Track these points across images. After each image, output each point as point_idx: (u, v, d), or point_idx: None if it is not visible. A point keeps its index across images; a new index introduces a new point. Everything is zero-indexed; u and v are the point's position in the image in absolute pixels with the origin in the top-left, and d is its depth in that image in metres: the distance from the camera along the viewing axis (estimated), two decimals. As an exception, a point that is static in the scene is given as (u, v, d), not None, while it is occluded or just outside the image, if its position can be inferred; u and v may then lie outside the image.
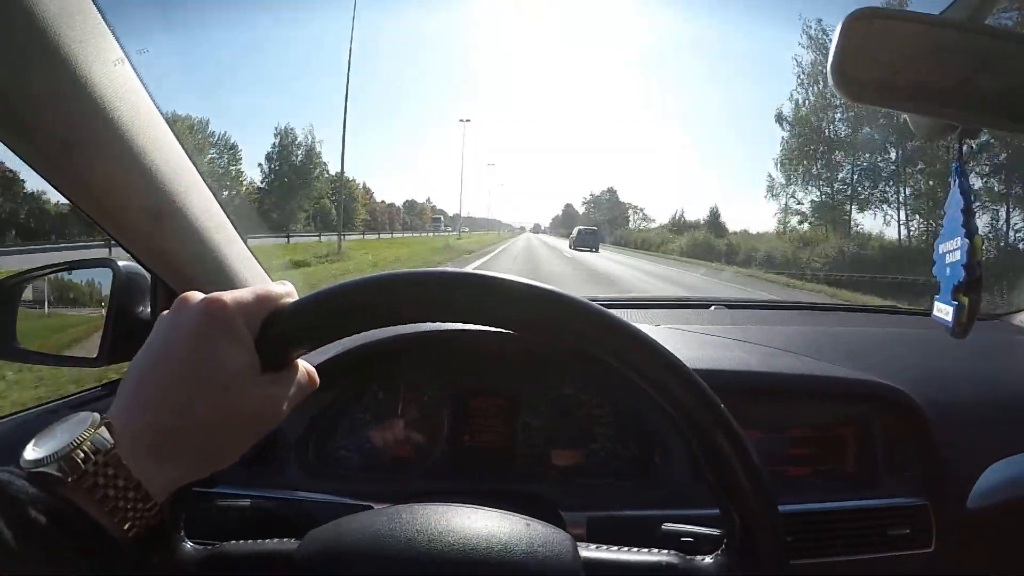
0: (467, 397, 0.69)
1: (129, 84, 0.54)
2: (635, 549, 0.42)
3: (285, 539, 0.43)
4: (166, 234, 0.60)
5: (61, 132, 0.49)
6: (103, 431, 0.32)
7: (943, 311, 0.61)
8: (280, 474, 0.67)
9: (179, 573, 0.41)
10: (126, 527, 0.32)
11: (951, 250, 0.61)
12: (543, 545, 0.39)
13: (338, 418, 0.69)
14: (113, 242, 0.62)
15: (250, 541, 0.44)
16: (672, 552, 0.42)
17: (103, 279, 0.71)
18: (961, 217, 0.59)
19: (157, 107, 0.57)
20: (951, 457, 0.71)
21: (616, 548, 0.42)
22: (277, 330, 0.37)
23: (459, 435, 0.69)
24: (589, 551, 0.41)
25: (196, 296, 0.36)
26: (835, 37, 0.54)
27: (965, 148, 0.64)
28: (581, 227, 33.64)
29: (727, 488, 0.39)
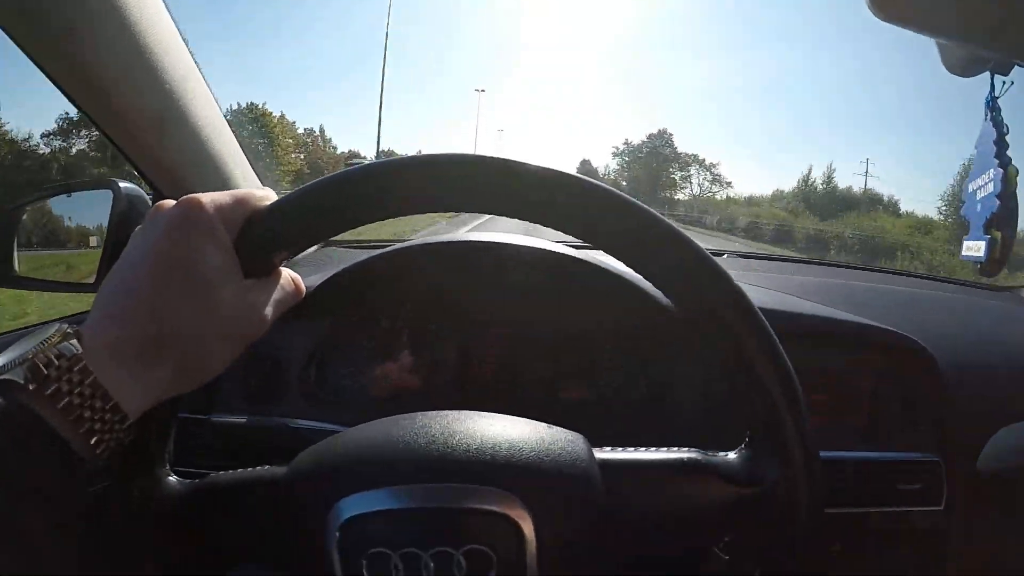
0: (473, 327, 0.67)
1: None
2: (652, 448, 0.39)
3: (274, 466, 0.39)
4: (169, 141, 0.59)
5: (65, 13, 0.47)
6: (71, 340, 0.30)
7: (974, 248, 0.59)
8: (282, 404, 0.64)
9: (164, 508, 0.38)
10: (93, 441, 0.29)
11: (983, 184, 0.59)
12: (554, 444, 0.37)
13: (340, 347, 0.66)
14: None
15: (237, 471, 0.40)
16: (693, 449, 0.39)
17: (103, 202, 0.69)
18: (994, 148, 0.58)
19: (168, 8, 0.55)
20: (964, 417, 0.69)
21: (633, 449, 0.39)
22: (258, 230, 0.34)
23: (466, 367, 0.67)
24: (604, 452, 0.38)
25: (171, 202, 0.34)
26: None
27: (997, 83, 0.62)
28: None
29: (749, 375, 0.36)
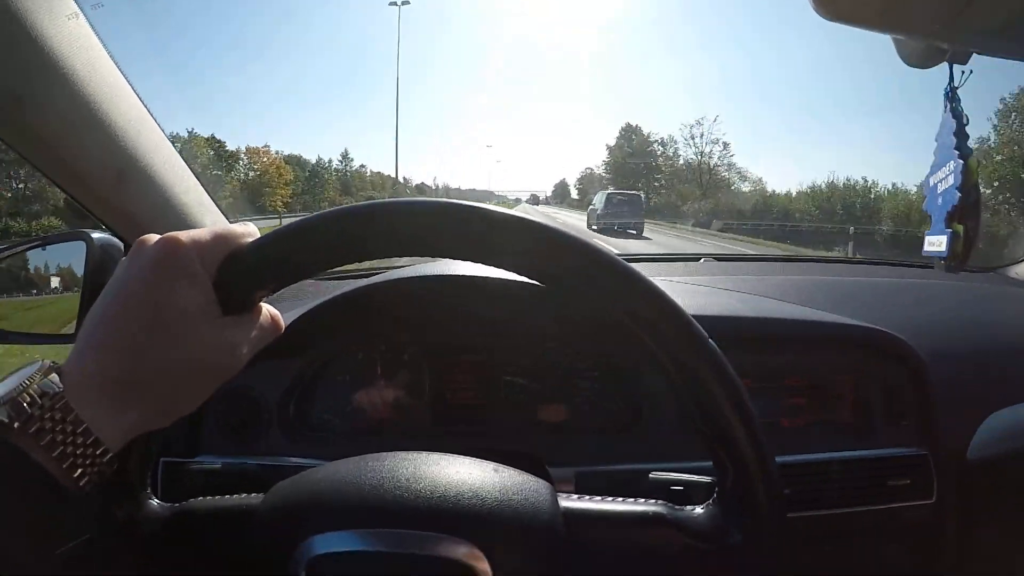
0: (447, 355, 0.67)
1: (85, 39, 0.53)
2: (620, 499, 0.39)
3: (251, 495, 0.41)
4: (131, 195, 0.59)
5: (11, 85, 0.48)
6: (53, 377, 0.30)
7: (935, 243, 0.58)
8: (262, 441, 0.65)
9: (143, 531, 0.39)
10: (76, 475, 0.30)
11: (943, 177, 0.58)
12: (519, 492, 0.37)
13: (318, 381, 0.67)
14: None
15: (216, 498, 0.42)
16: (660, 502, 0.39)
17: (78, 253, 0.70)
18: (953, 140, 0.57)
19: (116, 63, 0.56)
20: (950, 407, 0.68)
21: (600, 499, 0.39)
22: (236, 269, 0.34)
23: (441, 394, 0.67)
24: (570, 501, 0.38)
25: (154, 237, 0.34)
26: None
27: (956, 73, 0.61)
28: (610, 192, 19.83)
29: (717, 432, 0.36)
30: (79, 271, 0.72)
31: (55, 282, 0.75)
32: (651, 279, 0.37)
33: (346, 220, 0.35)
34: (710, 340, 0.36)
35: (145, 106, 0.59)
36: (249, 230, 0.37)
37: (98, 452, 0.31)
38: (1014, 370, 0.76)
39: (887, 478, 0.65)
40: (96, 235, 0.69)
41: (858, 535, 0.66)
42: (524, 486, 0.38)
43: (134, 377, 0.32)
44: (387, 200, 0.36)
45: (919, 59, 0.63)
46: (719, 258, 1.08)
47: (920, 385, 0.69)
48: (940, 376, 0.69)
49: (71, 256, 0.73)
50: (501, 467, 0.39)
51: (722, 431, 0.36)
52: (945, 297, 0.90)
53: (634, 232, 17.53)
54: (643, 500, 0.39)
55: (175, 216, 0.64)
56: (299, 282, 0.38)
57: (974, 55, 0.59)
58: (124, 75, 0.57)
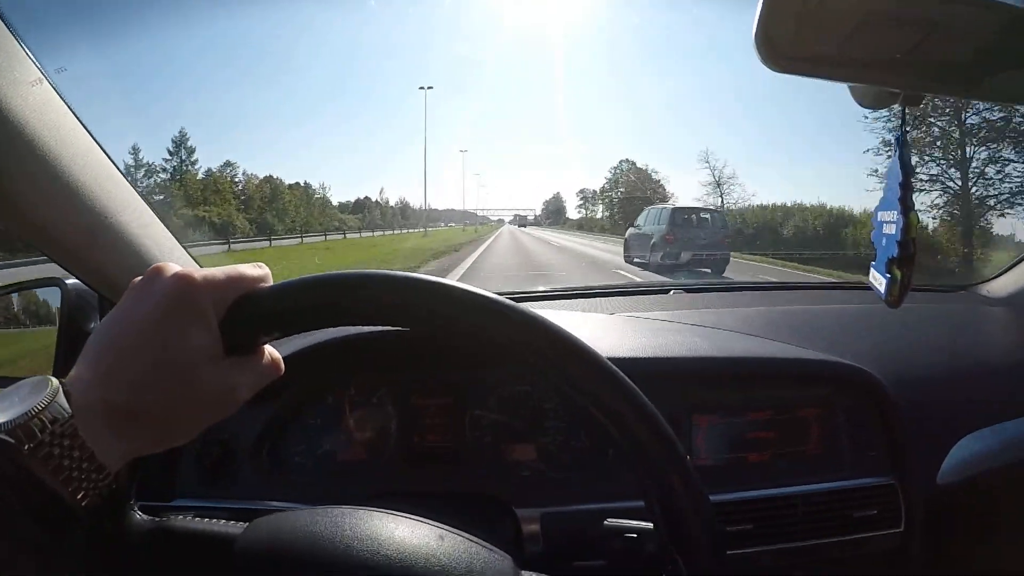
0: (414, 397, 0.69)
1: (49, 104, 0.54)
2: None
3: (232, 523, 0.42)
4: (103, 250, 0.60)
5: None
6: (60, 399, 0.31)
7: (877, 280, 0.60)
8: (237, 483, 0.66)
9: (127, 543, 0.41)
10: (79, 496, 0.31)
11: (888, 221, 0.60)
12: (482, 571, 0.38)
13: (290, 424, 0.69)
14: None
15: (198, 519, 0.43)
16: None
17: (53, 297, 0.72)
18: (900, 191, 0.58)
19: (82, 123, 0.57)
20: (918, 434, 0.70)
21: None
22: (245, 314, 0.36)
23: (409, 435, 0.69)
24: None
25: (170, 268, 0.35)
26: (759, 4, 0.51)
27: (908, 117, 0.62)
28: (676, 207, 11.84)
29: (670, 526, 0.38)
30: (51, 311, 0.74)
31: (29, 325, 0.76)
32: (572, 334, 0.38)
33: (367, 285, 0.37)
34: (682, 452, 0.38)
35: (114, 163, 0.60)
36: (263, 273, 0.38)
37: (101, 475, 0.32)
38: (982, 393, 0.77)
39: (854, 509, 0.66)
40: (71, 281, 0.71)
41: (826, 565, 0.67)
42: (489, 563, 0.39)
43: (137, 408, 0.33)
44: (402, 274, 0.38)
45: (871, 101, 0.64)
46: (688, 289, 1.09)
47: (887, 415, 0.70)
48: (907, 404, 0.70)
49: (45, 300, 0.75)
50: (470, 540, 0.41)
51: (678, 522, 0.38)
52: (913, 322, 0.91)
53: (709, 271, 10.37)
54: None
55: (146, 268, 0.65)
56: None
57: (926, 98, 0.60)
58: (91, 135, 0.57)
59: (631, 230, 12.34)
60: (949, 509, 0.69)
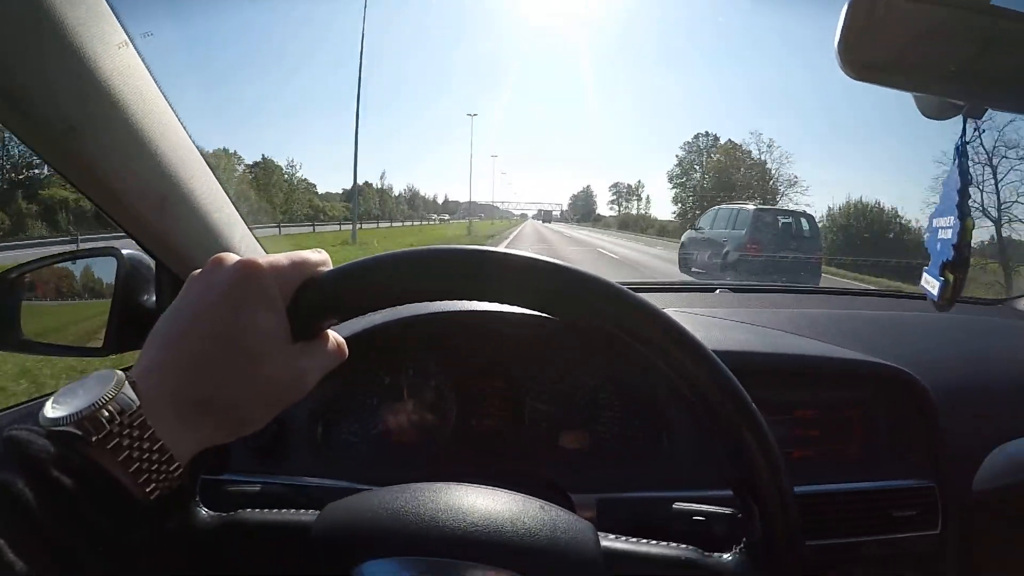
0: (473, 381, 0.69)
1: (133, 68, 0.53)
2: (654, 542, 0.42)
3: (303, 511, 0.42)
4: (171, 219, 0.60)
5: (65, 116, 0.49)
6: (127, 390, 0.31)
7: (930, 283, 0.62)
8: (289, 461, 0.67)
9: (194, 539, 0.41)
10: (148, 489, 0.31)
11: (944, 227, 0.62)
12: (566, 532, 0.39)
13: (345, 404, 0.69)
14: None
15: (267, 511, 0.43)
16: (691, 547, 0.41)
17: (108, 268, 0.71)
18: (957, 197, 0.60)
19: (162, 92, 0.57)
20: (956, 439, 0.71)
21: (635, 540, 0.42)
22: (311, 298, 0.36)
23: (466, 419, 0.69)
24: (609, 541, 0.41)
25: (231, 258, 0.35)
26: (841, 14, 0.53)
27: (970, 128, 0.64)
28: (759, 208, 9.36)
29: (749, 486, 0.39)
30: (104, 283, 0.73)
31: (83, 294, 0.75)
32: (674, 317, 0.39)
33: (420, 262, 0.37)
34: (749, 399, 0.39)
35: (188, 134, 0.60)
36: (323, 258, 0.38)
37: (170, 467, 0.32)
38: (1020, 404, 0.79)
39: (893, 509, 0.68)
40: (127, 252, 0.70)
41: (863, 564, 0.68)
42: (571, 525, 0.40)
43: (207, 398, 0.33)
44: (456, 247, 0.38)
45: (935, 112, 0.66)
46: (734, 289, 1.11)
47: (927, 418, 0.71)
48: (947, 410, 0.72)
49: (100, 271, 0.74)
50: (548, 504, 0.42)
51: (754, 487, 0.39)
52: (953, 331, 0.93)
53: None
54: (676, 544, 0.42)
55: (213, 242, 0.65)
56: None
57: (989, 111, 0.63)
58: (170, 103, 0.57)
59: (690, 234, 10.12)
60: (983, 515, 0.71)
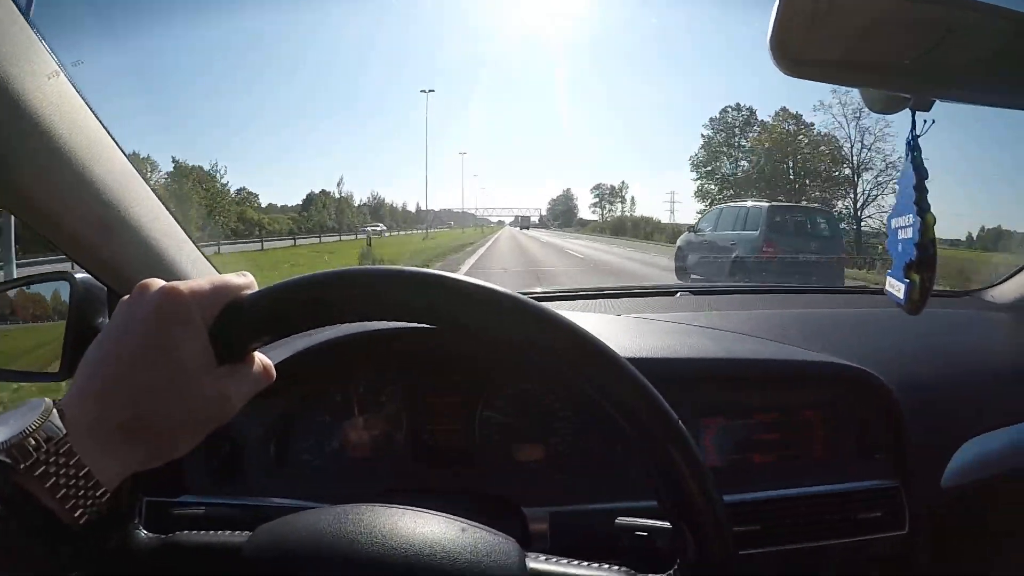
0: (424, 394, 0.69)
1: (66, 97, 0.54)
2: (585, 563, 0.41)
3: (237, 532, 0.43)
4: (115, 245, 0.60)
5: None
6: (55, 418, 0.32)
7: (895, 287, 0.60)
8: (244, 481, 0.66)
9: (131, 561, 0.41)
10: (77, 514, 0.32)
11: (903, 226, 0.60)
12: (489, 554, 0.38)
13: (297, 421, 0.69)
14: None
15: (203, 532, 0.44)
16: (623, 569, 0.41)
17: (62, 292, 0.71)
18: (914, 194, 0.58)
19: (98, 118, 0.57)
20: (922, 437, 0.70)
21: (566, 561, 0.41)
22: (233, 321, 0.36)
23: (418, 433, 0.68)
24: (538, 562, 0.40)
25: (156, 283, 0.36)
26: (775, 5, 0.51)
27: (919, 121, 0.62)
28: (774, 204, 8.68)
29: (679, 507, 0.38)
30: (59, 305, 0.74)
31: (38, 319, 0.76)
32: (603, 341, 0.38)
33: (345, 282, 0.37)
34: (674, 416, 0.38)
35: (128, 158, 0.60)
36: (247, 281, 0.39)
37: (97, 492, 0.32)
38: (986, 397, 0.78)
39: (858, 511, 0.66)
40: (80, 276, 0.70)
41: (829, 568, 0.67)
42: (494, 547, 0.39)
43: (133, 424, 0.34)
44: (383, 268, 0.38)
45: (882, 106, 0.64)
46: (695, 292, 1.09)
47: (891, 418, 0.70)
48: (912, 407, 0.71)
49: (51, 293, 0.75)
50: (471, 526, 0.41)
51: (685, 508, 0.38)
52: (918, 326, 0.91)
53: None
54: (608, 566, 0.41)
55: (160, 265, 0.65)
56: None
57: (937, 103, 0.61)
58: (106, 129, 0.58)
59: (687, 237, 8.86)
60: (953, 512, 0.70)
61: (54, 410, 0.32)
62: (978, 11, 0.51)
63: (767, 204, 8.44)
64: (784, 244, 7.42)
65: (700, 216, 9.95)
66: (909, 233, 0.58)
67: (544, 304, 0.38)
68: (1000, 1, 0.51)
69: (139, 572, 0.41)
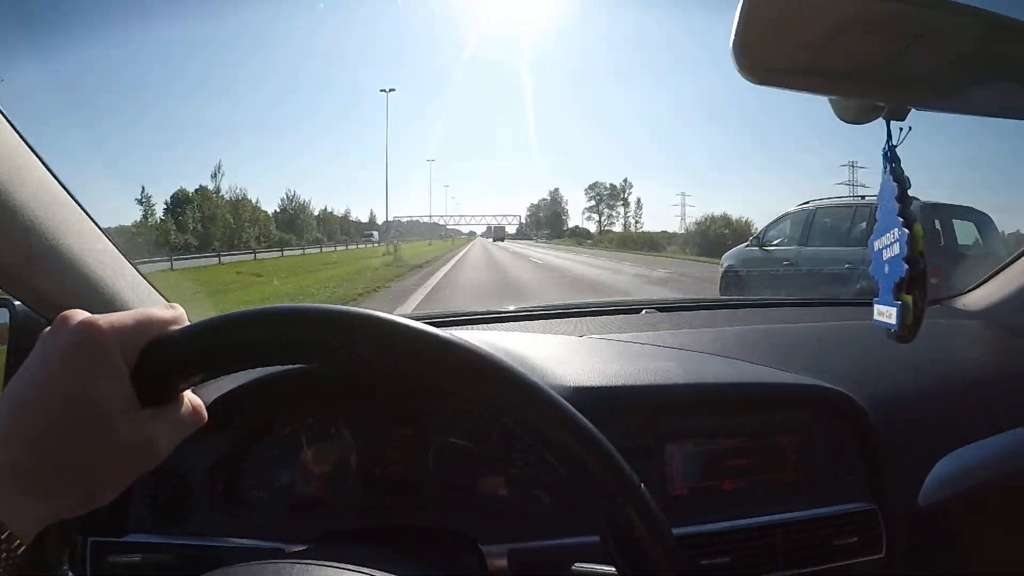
0: (374, 427, 0.65)
1: None
2: None
3: None
4: (47, 276, 0.57)
5: None
6: None
7: (884, 314, 0.56)
8: (192, 518, 0.63)
9: None
10: None
11: (888, 244, 0.57)
12: None
13: (246, 457, 0.65)
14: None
15: None
16: None
17: (2, 318, 0.68)
18: (896, 206, 0.55)
19: (22, 137, 0.54)
20: (898, 455, 0.68)
21: None
22: (157, 360, 0.34)
23: (370, 468, 0.65)
24: None
25: (76, 316, 0.33)
26: (737, 10, 0.48)
27: (895, 130, 0.59)
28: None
29: (638, 570, 0.35)
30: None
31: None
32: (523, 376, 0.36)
33: (281, 320, 0.35)
34: (630, 472, 0.36)
35: (59, 181, 0.57)
36: (176, 315, 0.36)
37: (12, 545, 0.29)
38: (962, 409, 0.76)
39: (834, 537, 0.64)
40: (18, 303, 0.67)
41: None
42: None
43: (45, 470, 0.31)
44: (319, 306, 0.35)
45: (854, 115, 0.62)
46: (661, 308, 1.06)
47: (865, 438, 0.68)
48: (887, 425, 0.68)
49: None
50: None
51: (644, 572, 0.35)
52: (890, 340, 0.89)
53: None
54: None
55: (97, 296, 0.62)
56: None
57: (912, 111, 0.58)
58: (33, 150, 0.54)
59: (742, 252, 6.36)
60: (930, 529, 0.68)
61: None
62: (948, 12, 0.49)
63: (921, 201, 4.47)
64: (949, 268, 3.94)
65: (776, 222, 6.06)
66: (896, 249, 0.55)
67: (495, 325, 0.35)
68: (971, 0, 0.48)
69: None
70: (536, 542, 0.59)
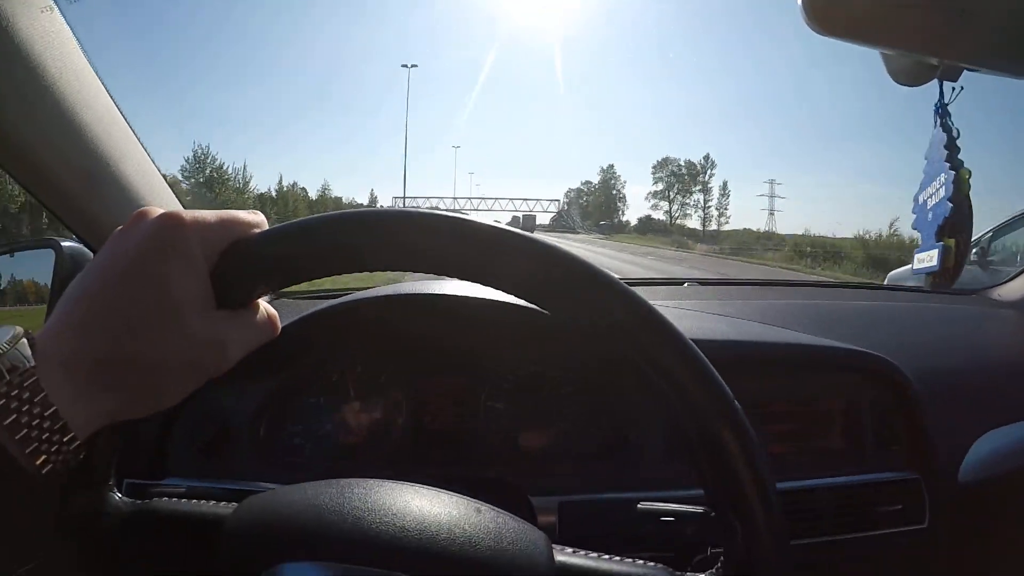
0: (426, 377, 0.65)
1: (58, 34, 0.51)
2: (618, 558, 0.36)
3: (223, 503, 0.38)
4: (100, 200, 0.57)
5: None
6: (23, 346, 0.27)
7: (926, 259, 0.57)
8: (232, 463, 0.62)
9: (100, 525, 0.36)
10: (39, 461, 0.27)
11: (933, 192, 0.58)
12: (513, 543, 0.34)
13: (290, 402, 0.64)
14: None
15: (184, 501, 0.39)
16: (660, 566, 0.36)
17: (46, 261, 0.67)
18: (944, 152, 0.56)
19: (90, 61, 0.54)
20: (941, 429, 0.67)
21: (596, 555, 0.37)
22: (238, 260, 0.32)
23: (419, 418, 0.64)
24: (566, 555, 0.36)
25: (154, 211, 0.31)
26: None
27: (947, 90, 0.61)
28: None
29: (730, 498, 0.34)
30: (45, 282, 0.69)
31: (18, 295, 0.71)
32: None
33: (367, 224, 0.32)
34: (731, 396, 0.34)
35: (118, 107, 0.56)
36: (258, 219, 0.34)
37: (64, 439, 0.28)
38: (1002, 390, 0.76)
39: (878, 504, 0.64)
40: (66, 244, 0.66)
41: (848, 561, 0.64)
42: (520, 535, 0.34)
43: (112, 361, 0.29)
44: (405, 210, 0.33)
45: (908, 77, 0.63)
46: (703, 282, 1.06)
47: (910, 408, 0.68)
48: (930, 398, 0.68)
49: (39, 265, 0.70)
50: (497, 511, 0.36)
51: (737, 500, 0.34)
52: (931, 319, 0.90)
53: None
54: (643, 563, 0.36)
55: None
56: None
57: (964, 72, 0.59)
58: (97, 74, 0.54)
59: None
60: (969, 507, 0.67)
61: (23, 339, 0.28)
62: None
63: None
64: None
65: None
66: (941, 193, 0.56)
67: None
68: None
69: (111, 538, 0.36)
70: (585, 495, 0.58)
